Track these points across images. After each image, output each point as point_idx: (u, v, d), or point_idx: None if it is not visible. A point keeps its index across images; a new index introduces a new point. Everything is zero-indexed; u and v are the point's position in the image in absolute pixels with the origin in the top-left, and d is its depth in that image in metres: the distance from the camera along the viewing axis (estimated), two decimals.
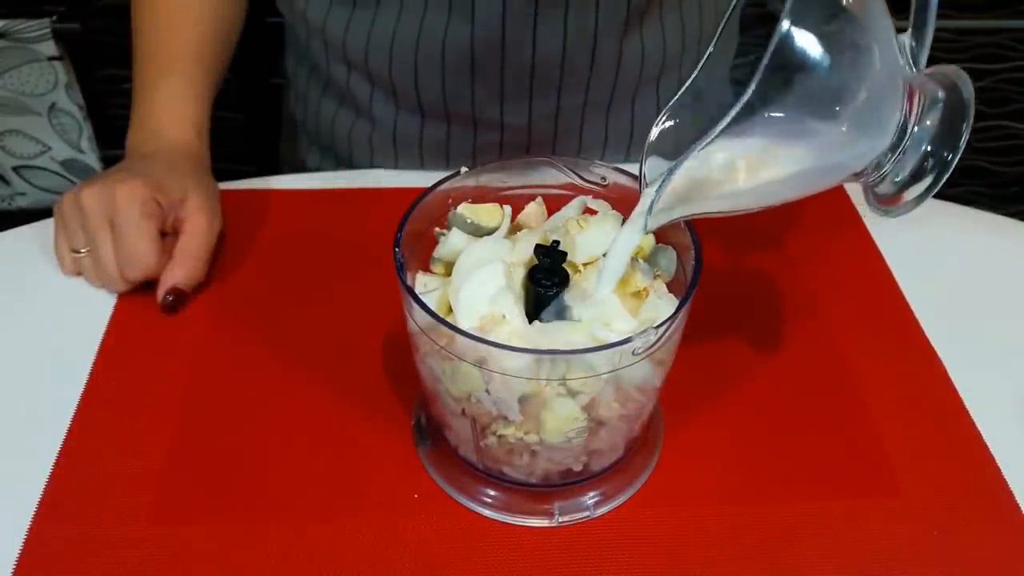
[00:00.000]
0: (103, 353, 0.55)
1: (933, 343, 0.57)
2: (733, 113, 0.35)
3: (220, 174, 0.66)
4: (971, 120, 0.39)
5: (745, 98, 0.35)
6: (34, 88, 1.31)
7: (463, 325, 0.41)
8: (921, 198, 0.41)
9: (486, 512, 0.47)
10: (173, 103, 0.65)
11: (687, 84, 0.43)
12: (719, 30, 0.42)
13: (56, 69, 1.28)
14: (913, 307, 0.59)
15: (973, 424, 0.52)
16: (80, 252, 0.58)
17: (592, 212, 0.48)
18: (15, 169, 1.39)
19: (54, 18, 1.27)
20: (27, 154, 1.38)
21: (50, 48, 1.26)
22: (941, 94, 0.40)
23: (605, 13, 0.65)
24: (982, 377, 0.55)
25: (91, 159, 1.40)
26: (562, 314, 0.43)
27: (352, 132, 0.75)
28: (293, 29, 0.76)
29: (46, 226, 0.65)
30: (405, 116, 0.72)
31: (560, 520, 0.47)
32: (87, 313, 0.57)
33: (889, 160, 0.41)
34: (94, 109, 1.37)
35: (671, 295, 0.45)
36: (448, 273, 0.46)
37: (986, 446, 0.51)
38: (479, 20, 0.64)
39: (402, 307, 0.43)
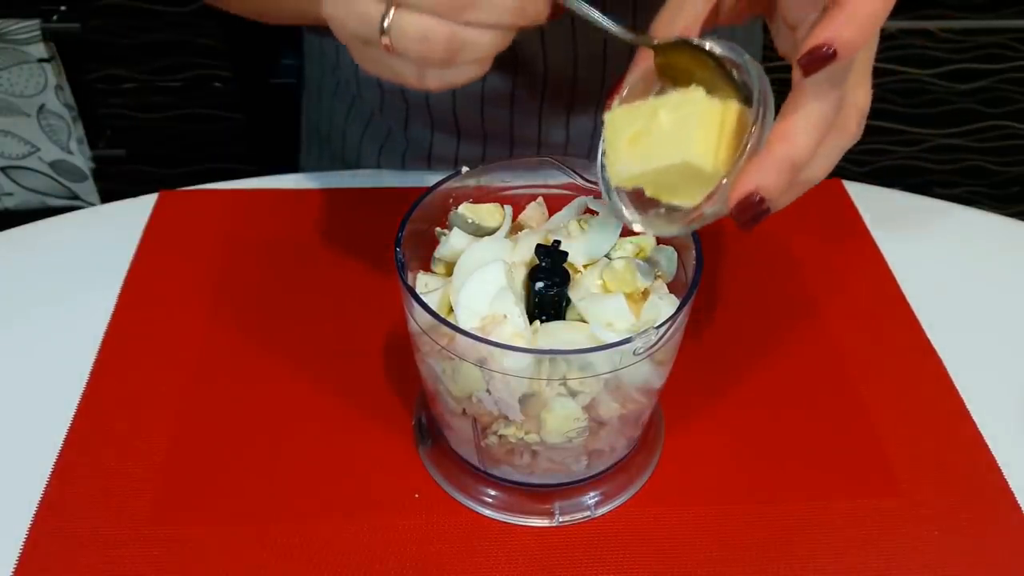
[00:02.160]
0: (103, 353, 0.55)
1: (933, 343, 0.57)
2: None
3: (220, 174, 0.66)
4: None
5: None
6: (23, 89, 1.31)
7: (464, 325, 0.41)
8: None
9: (486, 512, 0.47)
10: None
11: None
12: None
13: (45, 71, 1.29)
14: (913, 307, 0.59)
15: (973, 424, 0.52)
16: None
17: (593, 213, 0.48)
18: (3, 169, 1.40)
19: (54, 18, 1.28)
20: (15, 155, 1.39)
21: (40, 50, 1.27)
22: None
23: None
24: (982, 377, 0.55)
25: (80, 160, 1.40)
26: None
27: (383, 150, 0.75)
28: (322, 53, 0.75)
29: (48, 225, 0.65)
30: (441, 137, 0.72)
31: (560, 520, 0.47)
32: (87, 313, 0.57)
33: None
34: (85, 110, 1.38)
35: (671, 295, 0.45)
36: (449, 273, 0.46)
37: (986, 446, 0.51)
38: (521, 63, 0.64)
39: (402, 307, 0.43)
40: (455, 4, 0.36)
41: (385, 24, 0.37)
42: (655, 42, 0.40)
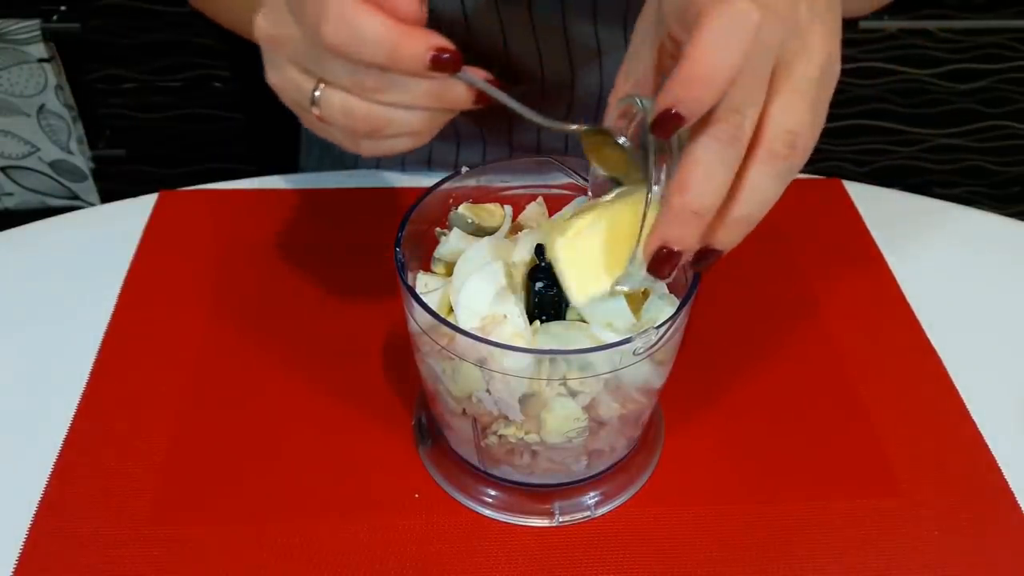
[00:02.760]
0: (103, 353, 0.55)
1: (933, 343, 0.57)
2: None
3: (220, 174, 0.66)
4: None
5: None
6: (23, 89, 1.31)
7: (464, 325, 0.41)
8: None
9: (486, 512, 0.47)
10: None
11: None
12: None
13: (46, 71, 1.29)
14: (913, 307, 0.59)
15: (973, 424, 0.52)
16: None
17: None
18: (3, 169, 1.40)
19: (54, 18, 1.28)
20: (15, 154, 1.39)
21: (40, 50, 1.27)
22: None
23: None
24: (982, 377, 0.55)
25: (80, 160, 1.40)
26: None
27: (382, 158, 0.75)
28: None
29: (48, 225, 0.65)
30: (440, 144, 0.72)
31: (560, 520, 0.47)
32: (87, 313, 0.57)
33: None
34: (85, 110, 1.38)
35: (671, 295, 0.45)
36: (449, 273, 0.46)
37: (986, 446, 0.51)
38: (519, 73, 0.65)
39: (402, 307, 0.43)
40: (366, 85, 0.38)
41: (315, 96, 0.39)
42: (573, 128, 0.41)
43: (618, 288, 0.40)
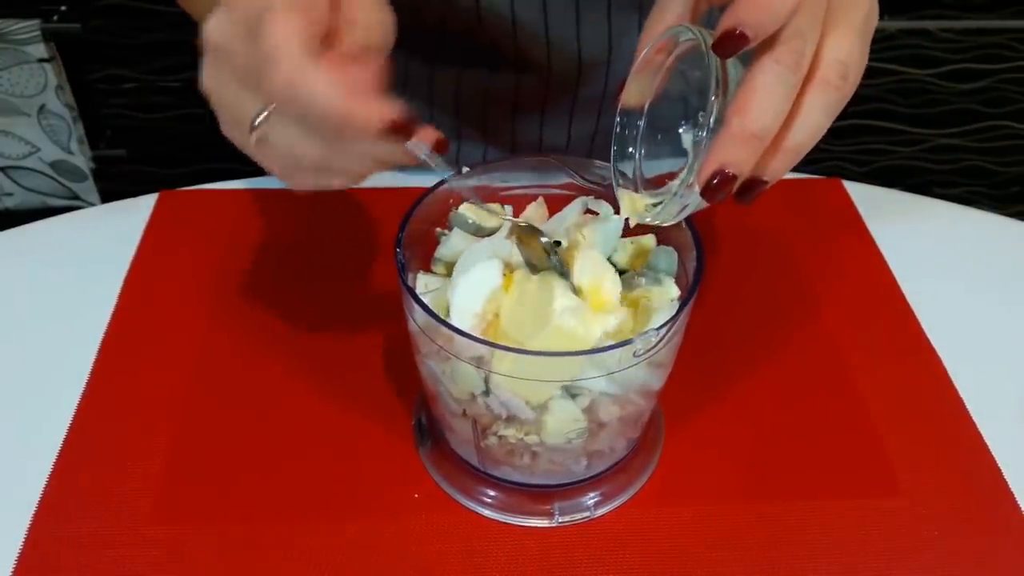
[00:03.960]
0: (103, 353, 0.55)
1: (933, 343, 0.57)
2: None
3: (220, 174, 0.66)
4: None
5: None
6: (23, 89, 1.31)
7: (458, 324, 0.41)
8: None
9: (486, 512, 0.47)
10: None
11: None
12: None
13: (46, 71, 1.29)
14: (913, 307, 0.59)
15: (973, 424, 0.52)
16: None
17: (594, 213, 0.48)
18: (3, 169, 1.40)
19: (54, 18, 1.28)
20: (16, 155, 1.39)
21: (40, 50, 1.27)
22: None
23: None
24: (982, 377, 0.55)
25: (80, 160, 1.40)
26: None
27: None
28: None
29: (48, 225, 0.65)
30: None
31: (560, 520, 0.47)
32: (87, 313, 0.57)
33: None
34: (86, 110, 1.38)
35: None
36: (449, 273, 0.46)
37: (986, 446, 0.51)
38: (526, 68, 0.64)
39: (403, 308, 0.43)
40: (318, 132, 0.36)
41: (257, 121, 0.37)
42: (508, 219, 0.44)
43: (649, 220, 0.41)
